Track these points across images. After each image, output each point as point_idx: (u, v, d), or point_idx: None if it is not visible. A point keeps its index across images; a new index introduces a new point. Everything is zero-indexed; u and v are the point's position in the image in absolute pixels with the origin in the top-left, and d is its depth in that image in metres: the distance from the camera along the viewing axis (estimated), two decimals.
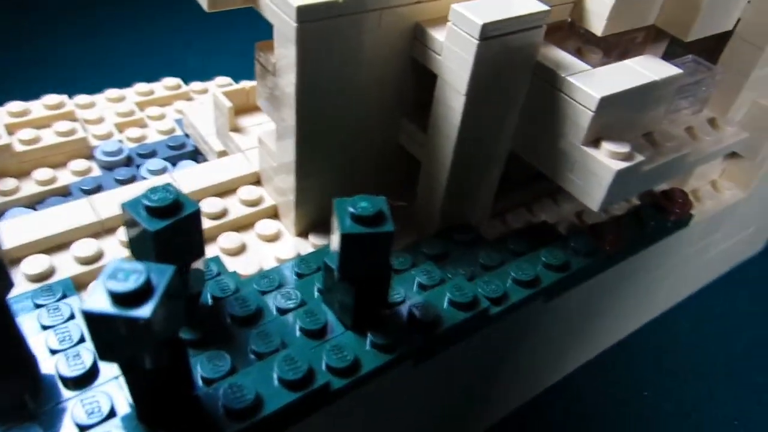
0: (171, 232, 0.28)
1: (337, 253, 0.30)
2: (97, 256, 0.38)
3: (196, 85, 0.65)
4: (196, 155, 0.55)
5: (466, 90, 0.35)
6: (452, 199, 0.41)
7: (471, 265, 0.40)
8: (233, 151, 0.50)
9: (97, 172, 0.50)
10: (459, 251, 0.41)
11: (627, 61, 0.38)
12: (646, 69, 0.37)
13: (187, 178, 0.45)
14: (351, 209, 0.28)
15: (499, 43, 0.34)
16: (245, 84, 0.54)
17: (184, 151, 0.54)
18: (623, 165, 0.35)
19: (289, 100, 0.37)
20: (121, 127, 0.55)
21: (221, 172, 0.46)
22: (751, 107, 0.46)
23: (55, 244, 0.39)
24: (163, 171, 0.51)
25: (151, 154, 0.54)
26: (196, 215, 0.29)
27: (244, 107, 0.53)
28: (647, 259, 0.47)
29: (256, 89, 0.41)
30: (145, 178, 0.50)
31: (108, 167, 0.51)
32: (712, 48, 0.46)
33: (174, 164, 0.53)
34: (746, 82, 0.44)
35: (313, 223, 0.43)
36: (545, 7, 0.34)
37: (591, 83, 0.35)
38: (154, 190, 0.28)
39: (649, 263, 0.49)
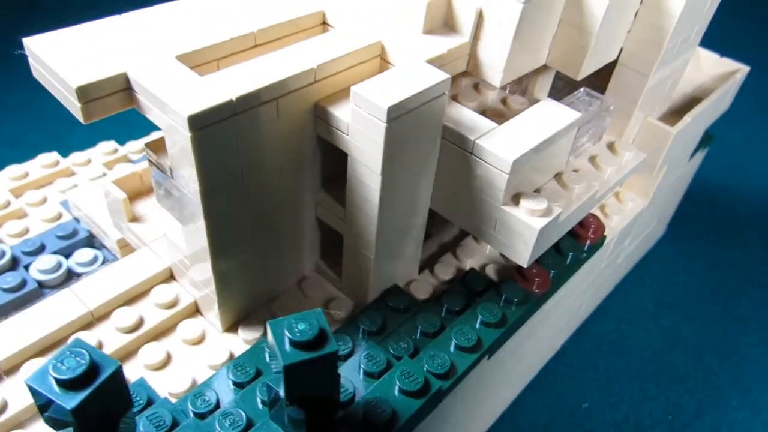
0: (92, 401, 0.25)
1: (280, 377, 0.28)
2: None
3: (77, 157, 0.59)
4: (92, 240, 0.50)
5: (381, 170, 0.34)
6: (379, 266, 0.40)
7: (411, 334, 0.39)
8: (136, 244, 0.46)
9: None
10: (396, 320, 0.40)
11: (528, 112, 0.39)
12: (549, 117, 0.38)
13: (90, 290, 0.41)
14: (288, 334, 0.27)
15: (406, 119, 0.33)
16: (136, 168, 0.49)
17: (77, 239, 0.48)
18: (544, 222, 0.36)
19: (193, 200, 0.34)
20: None
21: (128, 275, 0.42)
22: (642, 126, 0.49)
23: None
24: (57, 268, 0.46)
25: (39, 250, 0.48)
26: (118, 373, 0.26)
27: (138, 192, 0.49)
28: (569, 286, 0.49)
29: (153, 188, 0.38)
30: (38, 281, 0.44)
31: None
32: (598, 71, 0.48)
33: (68, 256, 0.48)
34: (636, 107, 0.46)
35: (240, 314, 0.41)
36: (446, 76, 0.34)
37: (501, 145, 0.35)
38: (61, 356, 0.25)
39: (571, 288, 0.50)
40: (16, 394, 0.35)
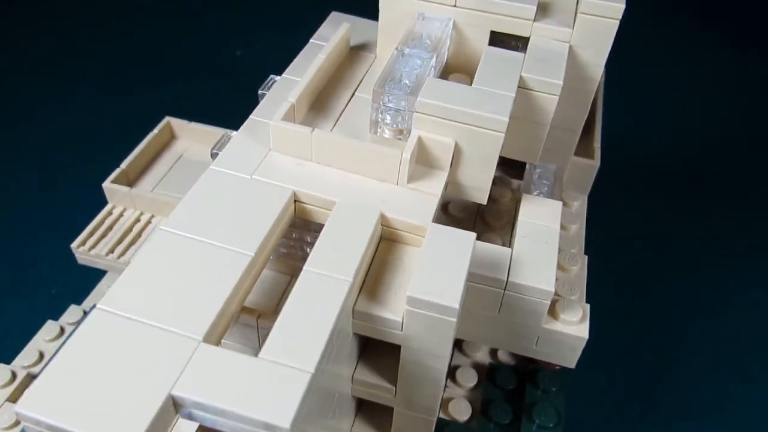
0: None
1: None
2: None
3: None
4: None
5: (444, 351, 0.32)
6: (432, 419, 0.39)
7: None
8: None
9: None
10: None
11: (523, 219, 0.39)
12: (543, 220, 0.39)
13: None
14: None
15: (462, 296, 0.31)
16: None
17: None
18: (586, 326, 0.37)
19: None
20: None
21: None
22: (569, 166, 0.52)
23: None
24: None
25: None
26: None
27: None
28: None
29: None
30: None
31: None
32: None
33: None
34: (570, 159, 0.49)
35: None
36: (472, 235, 0.33)
37: (533, 275, 0.35)
38: None
39: None
40: None
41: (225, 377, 0.25)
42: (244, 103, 0.46)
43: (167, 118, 0.60)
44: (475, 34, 0.43)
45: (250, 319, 0.36)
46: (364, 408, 0.41)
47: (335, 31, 0.46)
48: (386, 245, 0.35)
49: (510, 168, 0.50)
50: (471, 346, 0.47)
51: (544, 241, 0.38)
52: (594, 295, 0.42)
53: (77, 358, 0.25)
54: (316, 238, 0.33)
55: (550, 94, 0.39)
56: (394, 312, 0.31)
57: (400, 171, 0.35)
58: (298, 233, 0.38)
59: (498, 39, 0.43)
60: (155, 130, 0.58)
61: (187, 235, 0.31)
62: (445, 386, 0.44)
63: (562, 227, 0.46)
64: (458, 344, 0.47)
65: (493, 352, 0.47)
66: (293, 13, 1.21)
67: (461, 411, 0.43)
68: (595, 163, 0.52)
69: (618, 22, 0.40)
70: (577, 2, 0.41)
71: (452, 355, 0.47)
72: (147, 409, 0.24)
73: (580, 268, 0.42)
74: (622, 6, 0.39)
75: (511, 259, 0.37)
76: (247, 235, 0.31)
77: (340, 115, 0.40)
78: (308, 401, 0.25)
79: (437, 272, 0.31)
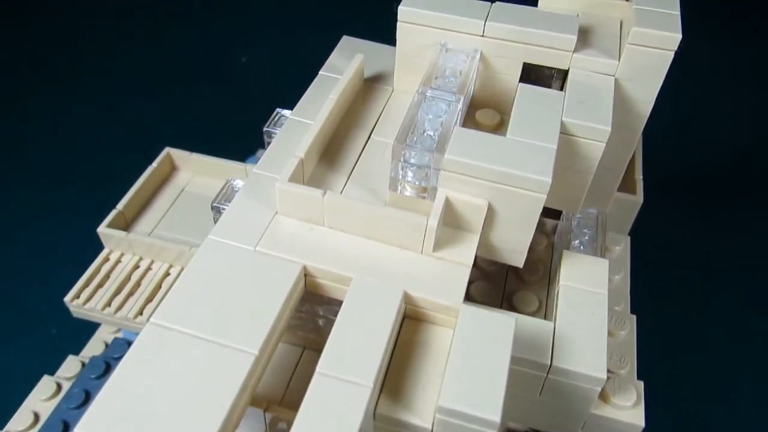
0: None
1: None
2: None
3: None
4: None
5: None
6: None
7: None
8: None
9: None
10: None
11: (566, 284, 0.34)
12: (587, 284, 0.34)
13: None
14: None
15: None
16: None
17: None
18: (642, 411, 0.32)
19: None
20: None
21: None
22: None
23: None
24: None
25: None
26: None
27: None
28: None
29: None
30: None
31: None
32: None
33: None
34: (612, 198, 0.44)
35: None
36: (512, 320, 0.28)
37: (581, 360, 0.31)
38: None
39: None
40: None
41: None
42: (252, 115, 0.42)
43: (167, 149, 0.55)
44: (505, 67, 0.38)
45: (257, 410, 0.31)
46: None
47: (346, 60, 0.41)
48: (410, 325, 0.30)
49: None
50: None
51: (591, 312, 0.33)
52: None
53: None
54: (328, 311, 0.29)
55: (596, 141, 0.34)
56: (422, 417, 0.27)
57: (425, 239, 0.30)
58: (309, 306, 0.34)
59: (529, 66, 0.38)
60: (154, 164, 0.54)
61: (181, 330, 0.27)
62: None
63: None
64: None
65: None
66: (297, 13, 1.17)
67: None
68: (638, 199, 0.47)
69: (673, 54, 0.35)
70: (624, 30, 0.36)
71: None
72: None
73: (628, 332, 0.37)
74: (679, 36, 0.34)
75: (554, 337, 0.32)
76: (252, 326, 0.27)
77: (354, 166, 0.36)
78: None
79: (474, 375, 0.26)
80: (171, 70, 1.05)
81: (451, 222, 0.32)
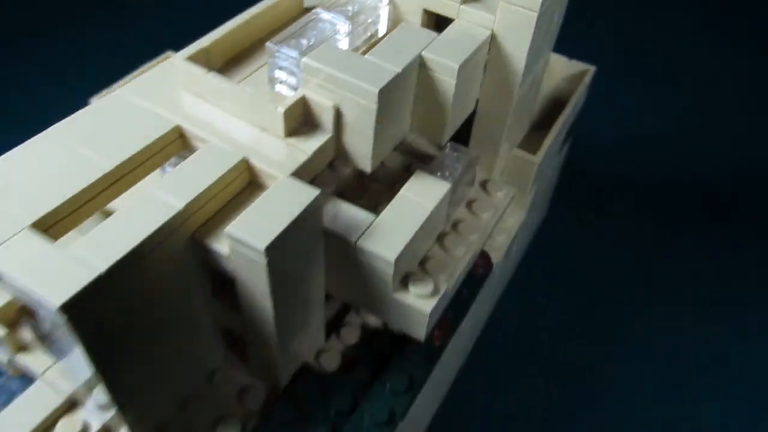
0: None
1: None
2: None
3: None
4: None
5: (270, 293, 0.35)
6: (284, 355, 0.41)
7: (327, 419, 0.41)
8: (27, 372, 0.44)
9: None
10: (310, 406, 0.42)
11: (402, 194, 0.40)
12: (420, 197, 0.40)
13: None
14: None
15: (285, 246, 0.34)
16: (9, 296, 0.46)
17: None
18: (432, 303, 0.38)
19: (80, 356, 0.33)
20: None
21: (29, 413, 0.41)
22: (509, 161, 0.52)
23: None
24: None
25: None
26: None
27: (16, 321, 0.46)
28: (467, 317, 0.52)
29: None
30: None
31: None
32: None
33: None
34: (499, 146, 0.49)
35: (153, 426, 0.41)
36: (316, 192, 0.34)
37: (381, 243, 0.37)
38: None
39: (469, 317, 0.54)
40: None
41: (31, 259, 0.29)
42: None
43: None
44: (408, 12, 0.44)
45: None
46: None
47: None
48: (252, 191, 0.38)
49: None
50: None
51: (412, 216, 0.39)
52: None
53: None
54: None
55: (446, 77, 0.39)
56: (226, 245, 0.34)
57: (279, 124, 0.38)
58: None
59: (441, 16, 0.44)
60: None
61: (61, 141, 0.35)
62: (327, 339, 0.47)
63: (474, 213, 0.47)
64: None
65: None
66: None
67: (330, 362, 0.45)
68: (536, 160, 0.52)
69: (536, 15, 0.40)
70: None
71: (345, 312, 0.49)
72: None
73: (464, 254, 0.43)
74: None
75: (370, 226, 0.38)
76: (116, 150, 0.35)
77: (258, 69, 0.43)
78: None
79: (264, 215, 0.33)
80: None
81: (310, 121, 0.39)
